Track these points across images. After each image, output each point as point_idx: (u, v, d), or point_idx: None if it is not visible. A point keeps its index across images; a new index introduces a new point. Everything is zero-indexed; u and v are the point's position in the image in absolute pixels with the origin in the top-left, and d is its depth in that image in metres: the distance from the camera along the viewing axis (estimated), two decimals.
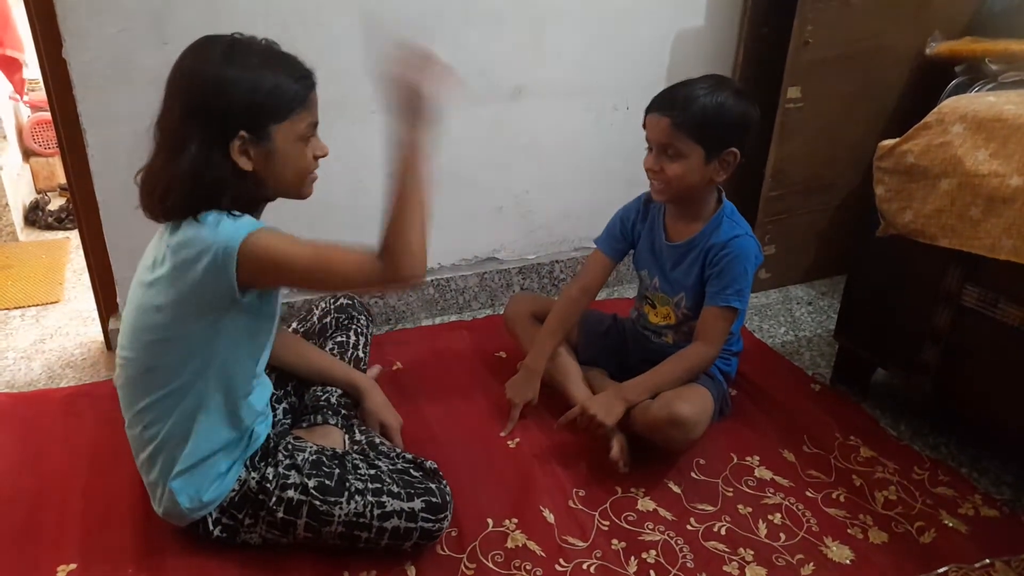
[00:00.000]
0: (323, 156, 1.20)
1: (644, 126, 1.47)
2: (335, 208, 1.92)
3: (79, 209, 1.73)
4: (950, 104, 1.39)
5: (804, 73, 1.98)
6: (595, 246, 1.67)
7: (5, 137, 2.90)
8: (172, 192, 1.08)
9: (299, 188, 1.20)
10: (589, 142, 2.10)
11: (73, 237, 2.64)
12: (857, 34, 2.00)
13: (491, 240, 2.15)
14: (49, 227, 2.76)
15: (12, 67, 2.77)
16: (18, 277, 2.34)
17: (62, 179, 3.01)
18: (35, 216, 2.79)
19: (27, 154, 3.09)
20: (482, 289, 2.16)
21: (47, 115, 2.76)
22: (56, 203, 2.90)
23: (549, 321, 1.64)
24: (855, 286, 1.69)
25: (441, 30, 1.84)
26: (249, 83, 1.07)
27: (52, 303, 2.18)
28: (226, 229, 1.08)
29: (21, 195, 2.83)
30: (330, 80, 1.80)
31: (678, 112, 1.40)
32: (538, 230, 2.18)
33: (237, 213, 1.11)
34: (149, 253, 1.18)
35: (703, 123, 1.39)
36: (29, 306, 2.15)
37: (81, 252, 1.83)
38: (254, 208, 1.18)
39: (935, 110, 1.40)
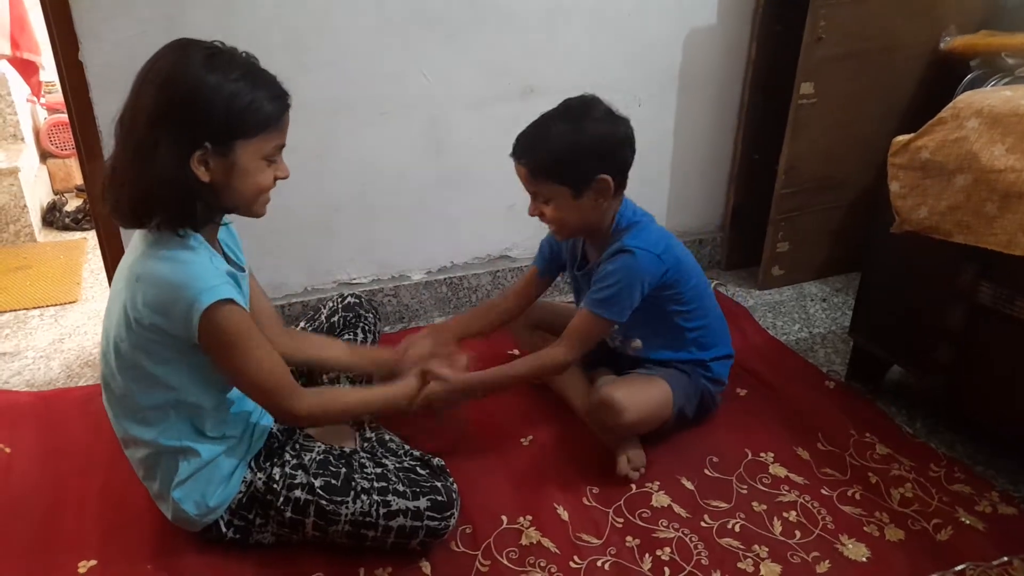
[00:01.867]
0: (284, 178, 1.16)
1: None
2: (342, 207, 1.94)
3: (96, 210, 1.74)
4: (965, 99, 1.38)
5: (817, 69, 1.97)
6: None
7: (22, 139, 2.93)
8: (145, 201, 1.05)
9: (251, 206, 1.15)
10: None
11: (90, 237, 2.66)
12: (870, 30, 1.99)
13: (503, 238, 2.15)
14: (66, 228, 2.79)
15: (29, 70, 2.79)
16: (36, 277, 2.36)
17: (79, 180, 3.04)
18: (52, 217, 2.82)
19: (44, 156, 3.12)
20: (495, 287, 2.16)
21: (64, 117, 2.79)
22: (73, 204, 2.93)
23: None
24: (869, 283, 1.68)
25: (452, 30, 1.84)
26: (227, 94, 1.03)
27: (70, 303, 2.20)
28: (198, 281, 1.06)
29: (38, 196, 2.86)
30: (341, 82, 1.82)
31: (529, 159, 1.36)
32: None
33: (208, 254, 1.11)
34: (119, 274, 1.16)
35: (556, 163, 1.35)
36: (47, 306, 2.18)
37: (98, 252, 1.85)
38: (209, 219, 1.14)
39: (950, 105, 1.39)
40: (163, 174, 1.04)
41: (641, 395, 1.45)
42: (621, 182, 1.41)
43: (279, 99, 1.10)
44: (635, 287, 1.41)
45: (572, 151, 1.34)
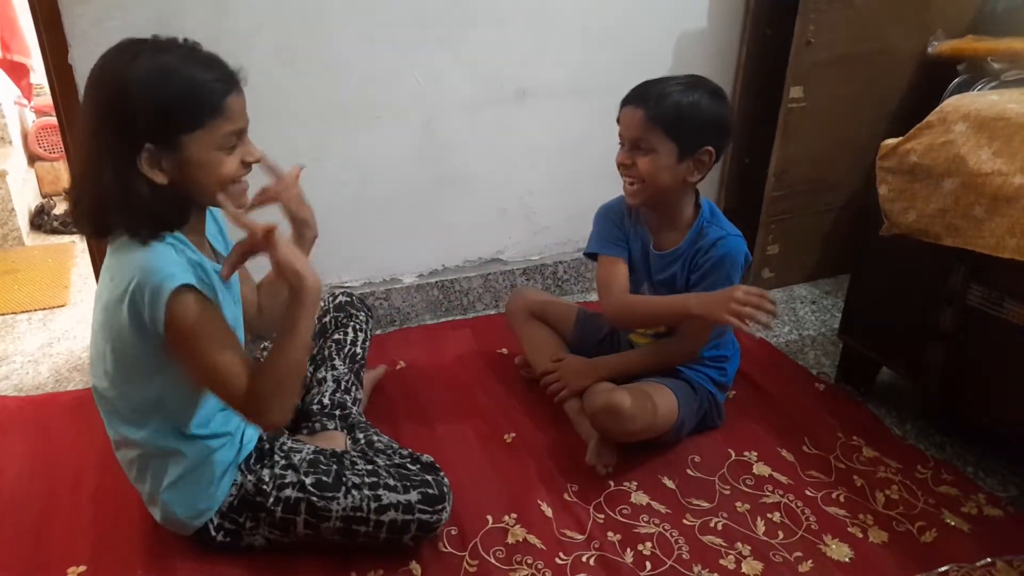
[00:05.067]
0: (255, 161, 1.09)
1: (618, 120, 1.44)
2: (335, 211, 1.93)
3: None
4: (952, 103, 1.39)
5: (806, 73, 1.98)
6: (602, 254, 1.55)
7: (10, 142, 2.92)
8: (103, 211, 1.02)
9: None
10: (592, 143, 2.10)
11: (79, 241, 2.66)
12: (859, 34, 2.00)
13: (495, 241, 2.15)
14: (55, 231, 2.77)
15: (19, 72, 2.78)
16: (24, 281, 2.35)
17: (67, 183, 3.02)
18: (40, 220, 2.80)
19: (32, 159, 3.10)
20: (486, 290, 2.16)
21: (52, 120, 2.78)
22: (61, 207, 2.91)
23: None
24: (859, 285, 1.69)
25: (445, 33, 1.85)
26: (156, 89, 0.97)
27: (58, 307, 2.19)
28: (159, 267, 1.00)
29: (26, 199, 2.85)
30: (334, 86, 1.82)
31: (652, 105, 1.38)
32: (542, 231, 2.19)
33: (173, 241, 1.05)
34: (101, 273, 1.13)
35: (677, 118, 1.37)
36: (36, 310, 2.17)
37: (87, 256, 1.85)
38: (186, 218, 1.09)
39: (937, 109, 1.40)
40: (113, 180, 0.99)
41: (648, 408, 1.43)
42: (711, 165, 1.43)
43: (220, 83, 1.02)
44: (740, 268, 1.47)
45: (694, 112, 1.38)
